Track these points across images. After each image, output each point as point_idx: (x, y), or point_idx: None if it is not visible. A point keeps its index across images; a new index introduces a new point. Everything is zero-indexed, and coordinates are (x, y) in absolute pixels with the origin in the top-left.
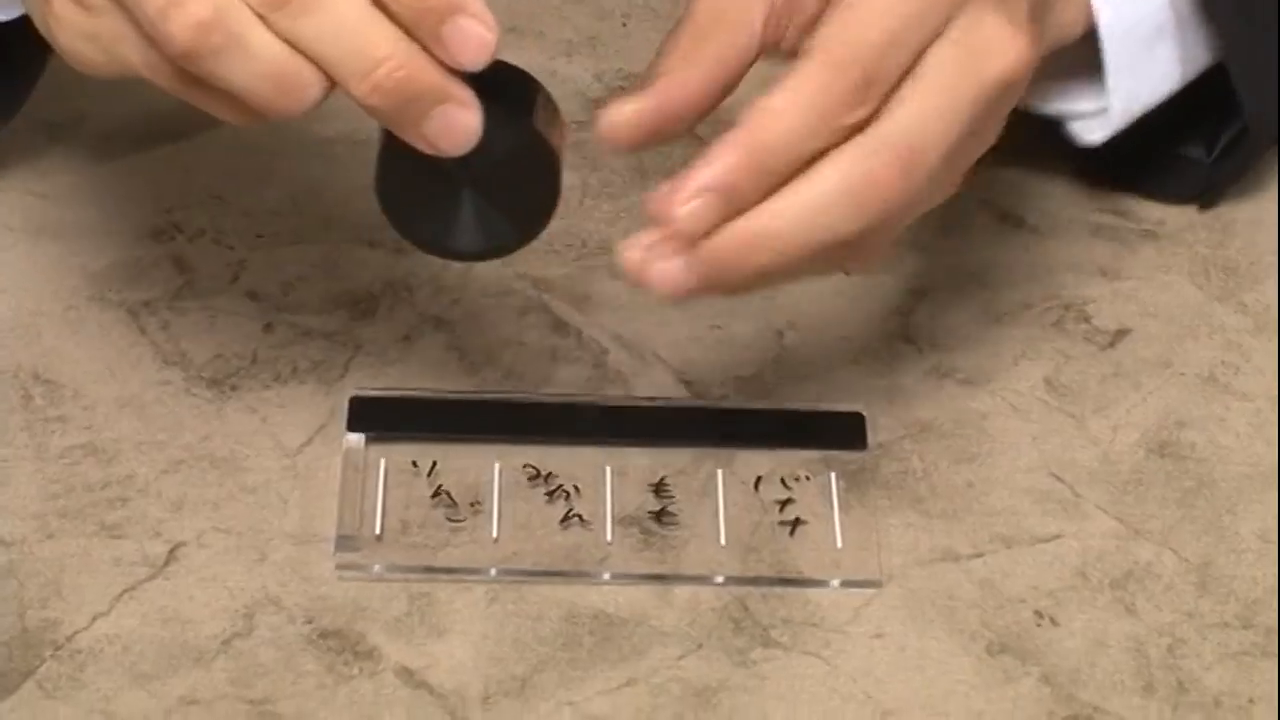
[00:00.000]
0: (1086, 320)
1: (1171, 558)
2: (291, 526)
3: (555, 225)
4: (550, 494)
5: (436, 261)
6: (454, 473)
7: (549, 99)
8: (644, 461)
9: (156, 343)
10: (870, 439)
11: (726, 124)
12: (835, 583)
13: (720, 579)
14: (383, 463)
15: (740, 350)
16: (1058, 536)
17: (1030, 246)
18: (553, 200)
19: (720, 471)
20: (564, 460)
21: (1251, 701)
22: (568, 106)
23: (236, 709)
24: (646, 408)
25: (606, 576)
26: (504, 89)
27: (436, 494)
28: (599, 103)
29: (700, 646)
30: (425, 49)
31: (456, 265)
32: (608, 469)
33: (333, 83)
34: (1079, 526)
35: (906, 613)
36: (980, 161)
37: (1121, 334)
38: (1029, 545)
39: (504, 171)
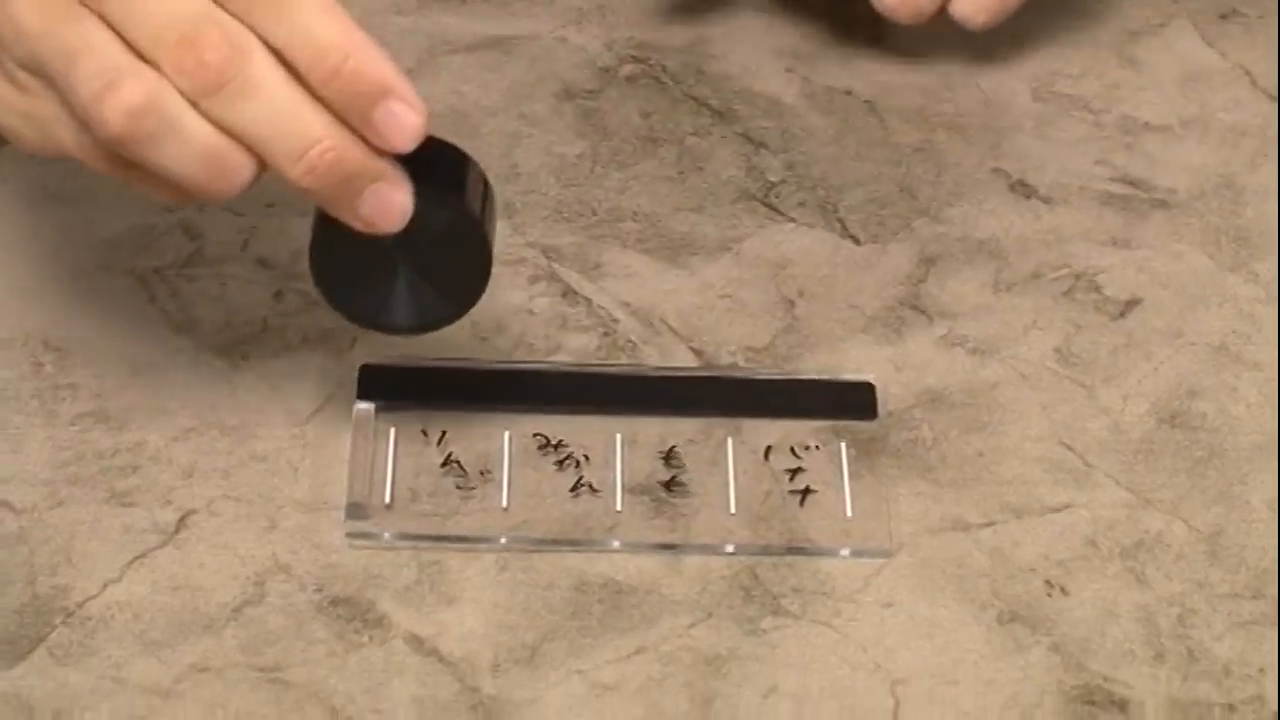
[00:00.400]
0: (1097, 290)
1: (1182, 527)
2: (302, 494)
3: (565, 193)
4: (560, 463)
5: None
6: (464, 441)
7: (480, 173)
8: (654, 430)
9: (167, 310)
10: (880, 408)
11: (738, 92)
12: (845, 552)
13: (730, 548)
14: (393, 431)
15: (750, 319)
16: (1068, 506)
17: (1041, 215)
18: (485, 275)
19: (730, 440)
20: (574, 429)
21: (1261, 671)
22: (579, 75)
23: (247, 676)
24: (657, 377)
25: (616, 545)
26: (436, 165)
27: (446, 462)
28: (609, 72)
29: (710, 615)
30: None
31: None
32: (618, 438)
33: (264, 165)
34: (1089, 496)
35: (916, 582)
36: (992, 130)
37: (1132, 303)
38: (1039, 515)
39: (437, 248)
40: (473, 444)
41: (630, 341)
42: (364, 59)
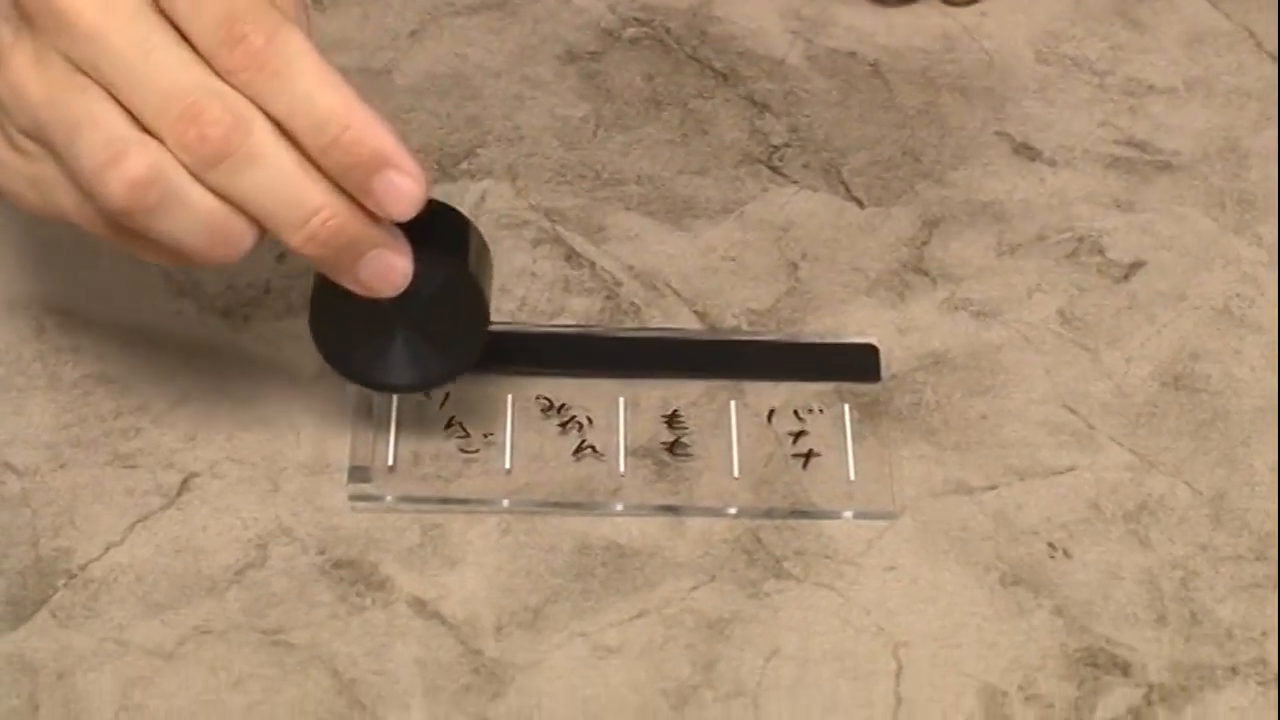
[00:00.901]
0: (1101, 252)
1: (1185, 490)
2: (304, 457)
3: (569, 156)
4: (563, 425)
5: (451, 192)
6: (467, 403)
7: (478, 234)
8: (657, 393)
9: (169, 273)
10: (883, 371)
11: (741, 54)
12: (848, 514)
13: (733, 510)
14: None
15: (754, 282)
16: (1071, 469)
17: (1045, 178)
18: (482, 335)
19: (733, 403)
20: (577, 391)
21: (1264, 634)
22: (582, 38)
23: (249, 639)
24: (660, 339)
25: (619, 508)
26: (435, 227)
27: (449, 425)
28: (612, 34)
29: (713, 578)
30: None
31: (471, 196)
32: (621, 400)
33: (265, 231)
34: (1092, 459)
35: (919, 545)
36: (996, 92)
37: (1136, 266)
38: (1042, 477)
39: (435, 307)
40: (475, 406)
41: (633, 304)
42: (363, 129)
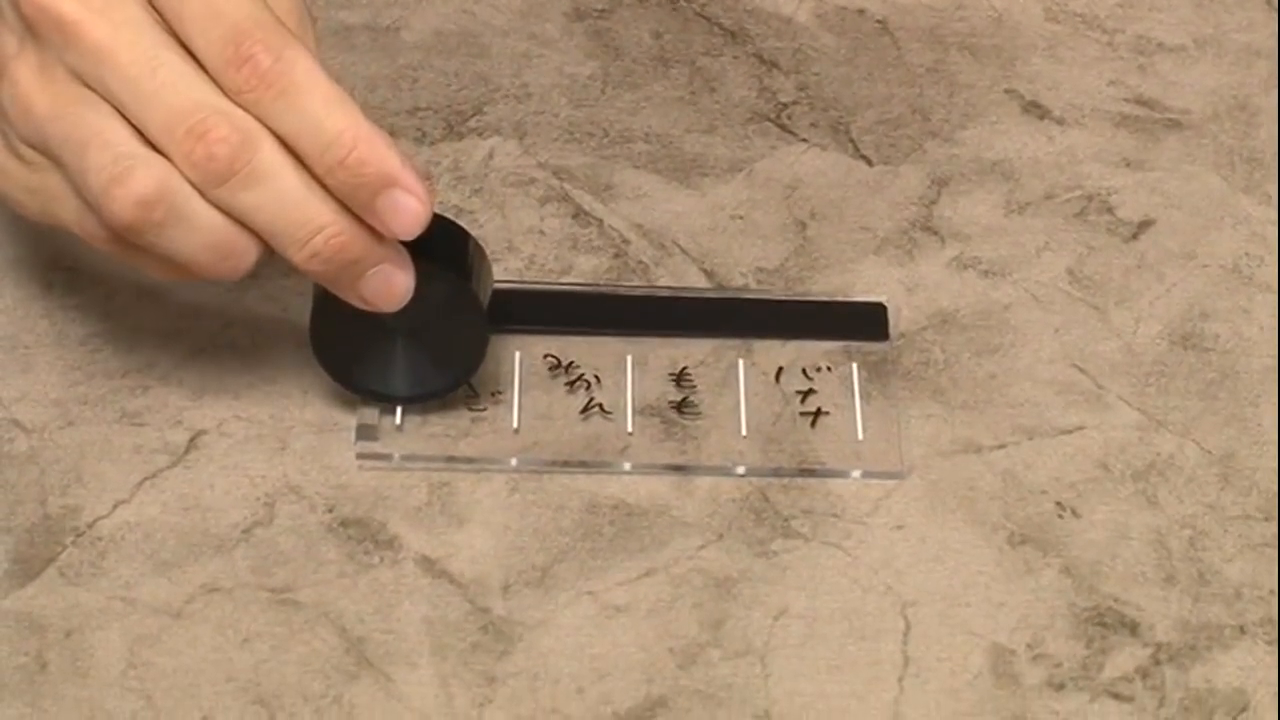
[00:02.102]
0: (1110, 211)
1: (1194, 449)
2: (312, 415)
3: (576, 114)
4: (571, 384)
5: (458, 150)
6: None
7: (479, 248)
8: (665, 352)
9: None
10: (892, 330)
11: (750, 12)
12: (856, 474)
13: (741, 470)
14: None
15: (762, 240)
16: (1080, 428)
17: (1054, 136)
18: (482, 349)
19: (741, 362)
20: (585, 350)
21: (1272, 593)
22: None
23: (257, 597)
24: (667, 298)
25: (627, 467)
26: (437, 242)
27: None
28: None
29: (721, 537)
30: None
31: (478, 154)
32: (629, 359)
33: (269, 248)
34: (1101, 418)
35: (928, 504)
36: (1005, 50)
37: (1145, 225)
38: (1051, 437)
39: (437, 323)
40: (483, 364)
41: (641, 263)
42: (369, 149)
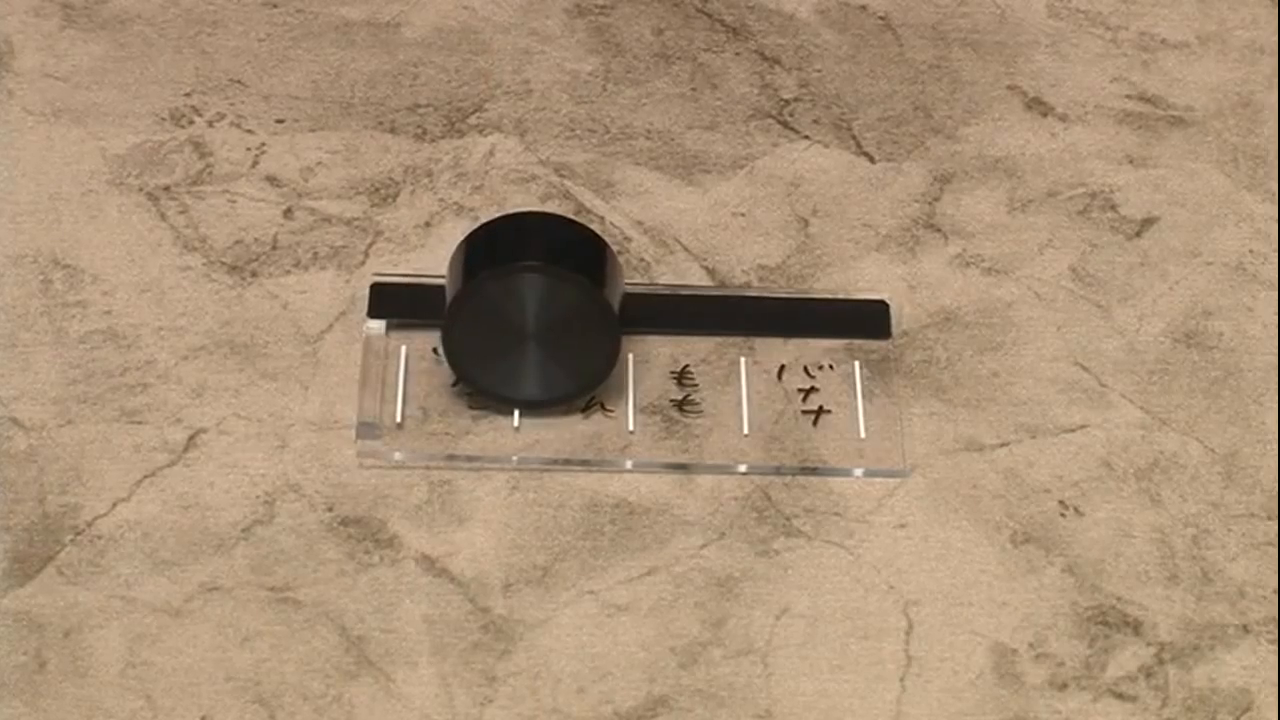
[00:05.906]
0: (1113, 208)
1: (1197, 448)
2: (312, 414)
3: (578, 111)
4: None
5: (459, 147)
6: None
7: (614, 260)
8: (666, 349)
9: (176, 227)
10: (894, 328)
11: (752, 8)
12: (859, 472)
13: (743, 468)
14: (404, 350)
15: (764, 238)
16: (1083, 426)
17: (1057, 133)
18: (613, 358)
19: (743, 360)
20: None
21: (1276, 592)
22: None
23: (257, 595)
24: (669, 295)
25: (628, 465)
26: (574, 249)
27: (458, 382)
28: None
29: (722, 536)
30: None
31: (479, 151)
32: (630, 357)
33: None
34: (1104, 416)
35: (930, 503)
36: (1007, 47)
37: (1149, 222)
38: (1054, 435)
39: (568, 330)
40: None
41: (643, 260)
42: None
